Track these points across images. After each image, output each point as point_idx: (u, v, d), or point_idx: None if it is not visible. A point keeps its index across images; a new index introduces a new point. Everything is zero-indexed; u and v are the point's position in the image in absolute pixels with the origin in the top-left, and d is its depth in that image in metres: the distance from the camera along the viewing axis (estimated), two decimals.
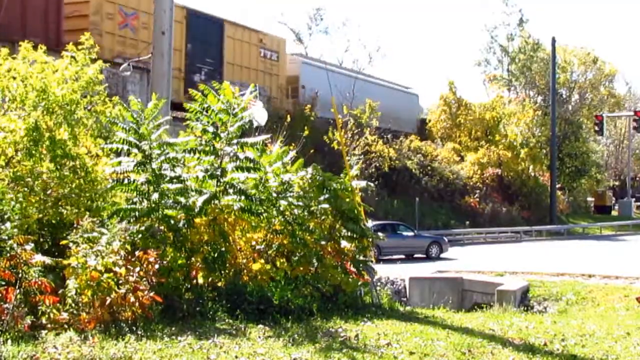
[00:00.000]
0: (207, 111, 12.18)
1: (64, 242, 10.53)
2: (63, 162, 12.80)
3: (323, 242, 12.91)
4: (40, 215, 12.15)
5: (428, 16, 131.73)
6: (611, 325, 11.46)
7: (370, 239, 13.79)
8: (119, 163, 11.71)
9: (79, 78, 13.79)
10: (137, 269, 9.98)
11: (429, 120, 58.54)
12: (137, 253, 10.25)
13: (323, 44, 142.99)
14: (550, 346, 9.44)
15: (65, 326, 9.22)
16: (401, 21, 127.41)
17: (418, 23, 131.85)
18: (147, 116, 11.80)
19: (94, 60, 14.14)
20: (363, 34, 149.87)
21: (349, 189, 13.64)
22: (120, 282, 9.73)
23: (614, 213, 69.93)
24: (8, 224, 9.55)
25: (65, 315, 9.46)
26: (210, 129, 12.11)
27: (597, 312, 15.42)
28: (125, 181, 11.65)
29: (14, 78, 13.22)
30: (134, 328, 9.25)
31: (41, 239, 11.90)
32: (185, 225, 11.48)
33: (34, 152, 12.52)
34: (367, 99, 46.03)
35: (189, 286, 11.06)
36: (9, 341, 8.09)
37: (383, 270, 20.43)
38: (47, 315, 9.28)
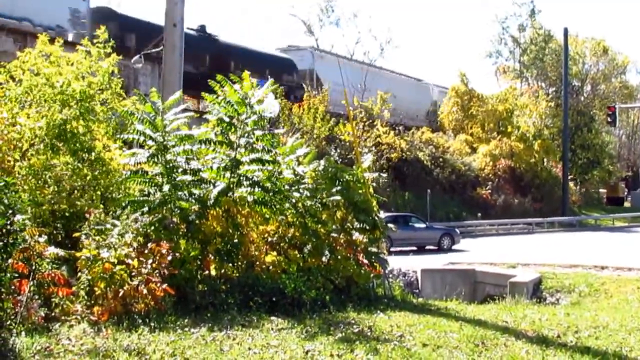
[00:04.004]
0: (225, 103, 12.18)
1: (76, 234, 10.55)
2: (81, 155, 12.89)
3: (335, 234, 12.89)
4: (55, 207, 12.22)
5: (439, 7, 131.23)
6: (624, 317, 11.40)
7: (382, 231, 13.77)
8: (134, 154, 11.73)
9: (95, 72, 13.82)
10: (150, 260, 10.00)
11: (441, 112, 58.29)
12: (149, 245, 10.27)
13: (334, 35, 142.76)
14: (564, 338, 9.41)
15: (79, 318, 9.27)
16: (412, 12, 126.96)
17: (429, 14, 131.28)
18: (165, 109, 11.83)
19: (108, 55, 14.15)
20: (374, 25, 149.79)
21: (361, 181, 13.61)
22: (133, 274, 9.77)
23: (627, 204, 69.63)
24: (20, 216, 9.56)
25: (78, 307, 9.52)
26: (226, 119, 12.10)
27: (610, 304, 15.34)
28: (140, 173, 11.69)
29: (29, 70, 13.27)
30: (147, 320, 9.28)
31: (54, 231, 11.97)
32: (199, 217, 11.49)
33: (57, 146, 12.64)
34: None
35: (201, 278, 11.05)
36: (23, 333, 8.13)
37: (395, 262, 20.37)
38: (60, 307, 9.33)
